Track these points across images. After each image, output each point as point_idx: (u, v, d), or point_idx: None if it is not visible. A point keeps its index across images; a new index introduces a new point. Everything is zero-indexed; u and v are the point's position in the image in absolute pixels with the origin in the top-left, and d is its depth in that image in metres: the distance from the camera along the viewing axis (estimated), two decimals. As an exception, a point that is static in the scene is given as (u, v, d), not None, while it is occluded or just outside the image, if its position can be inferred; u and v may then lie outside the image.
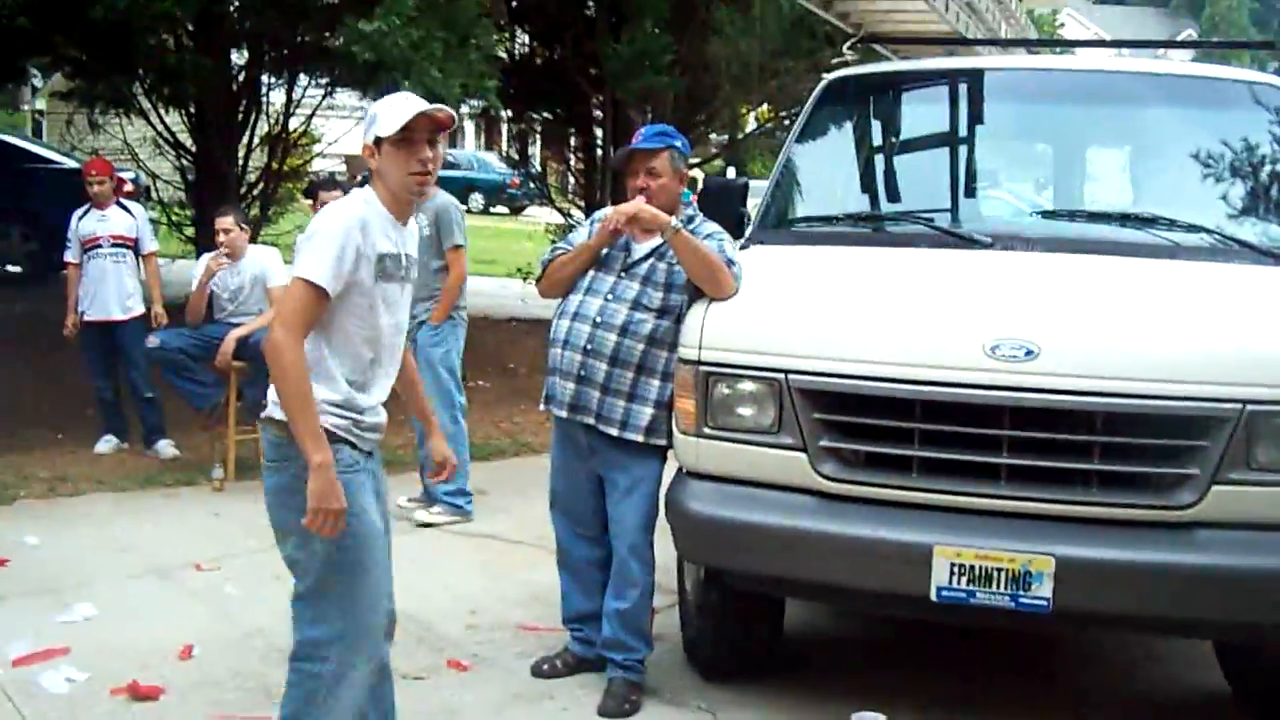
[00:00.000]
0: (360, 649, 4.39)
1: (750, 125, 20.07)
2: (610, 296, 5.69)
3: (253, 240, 11.02)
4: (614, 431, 5.66)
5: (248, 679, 5.93)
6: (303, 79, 15.61)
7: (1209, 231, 5.92)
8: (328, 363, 4.29)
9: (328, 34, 12.84)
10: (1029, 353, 4.85)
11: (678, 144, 5.87)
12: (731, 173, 21.84)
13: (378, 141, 4.34)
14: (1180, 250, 5.74)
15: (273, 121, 15.95)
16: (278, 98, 15.97)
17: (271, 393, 4.29)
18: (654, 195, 5.72)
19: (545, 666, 6.11)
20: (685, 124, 14.78)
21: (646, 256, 5.73)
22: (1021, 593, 4.82)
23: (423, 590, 6.92)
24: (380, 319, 4.37)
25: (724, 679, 6.06)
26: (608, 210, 5.85)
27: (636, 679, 5.87)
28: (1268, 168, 6.52)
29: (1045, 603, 4.82)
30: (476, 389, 10.73)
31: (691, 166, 7.78)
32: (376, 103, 4.49)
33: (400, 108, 4.31)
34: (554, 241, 13.42)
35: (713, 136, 20.06)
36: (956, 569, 4.85)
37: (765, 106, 18.39)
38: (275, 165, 15.84)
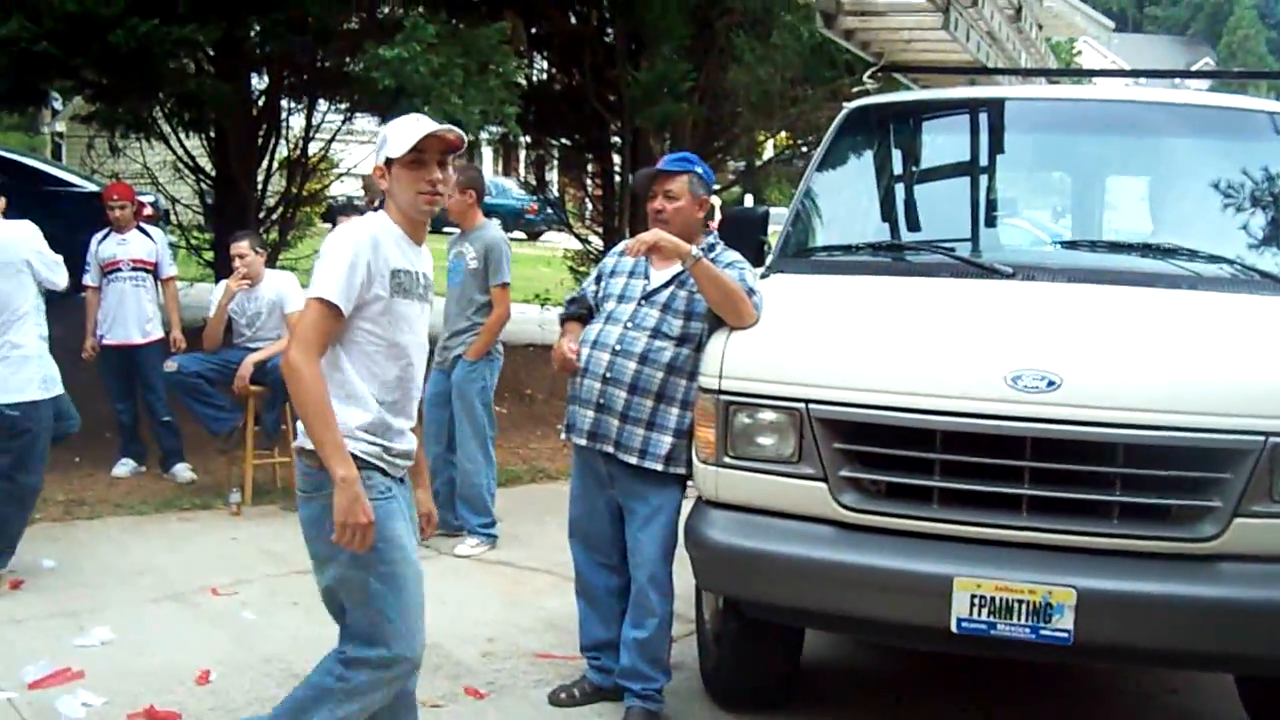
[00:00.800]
0: (393, 676, 4.43)
1: (768, 153, 20.07)
2: (630, 324, 5.68)
3: (271, 264, 11.06)
4: (633, 460, 5.65)
5: (265, 704, 5.90)
6: (322, 104, 15.68)
7: (1230, 262, 5.90)
8: (354, 384, 4.31)
9: (348, 59, 12.88)
10: (1050, 383, 4.83)
11: (698, 170, 5.87)
12: (749, 200, 21.83)
13: (388, 163, 4.38)
14: (1202, 281, 5.72)
15: (292, 146, 16.01)
16: (297, 123, 16.04)
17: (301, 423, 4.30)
18: (670, 219, 5.73)
19: (562, 695, 6.09)
20: (704, 151, 14.78)
21: (666, 284, 5.72)
22: (1042, 625, 4.79)
23: (440, 617, 6.87)
24: (402, 335, 4.39)
25: (742, 709, 6.05)
26: (628, 241, 5.86)
27: (654, 708, 5.85)
28: (1292, 198, 6.49)
29: (1066, 635, 4.78)
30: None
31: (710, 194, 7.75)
32: (387, 125, 4.52)
33: (411, 128, 4.34)
34: (573, 268, 13.28)
35: (731, 164, 20.05)
36: (977, 600, 4.82)
37: (784, 134, 18.38)
38: (294, 190, 15.88)
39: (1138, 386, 4.85)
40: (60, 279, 7.88)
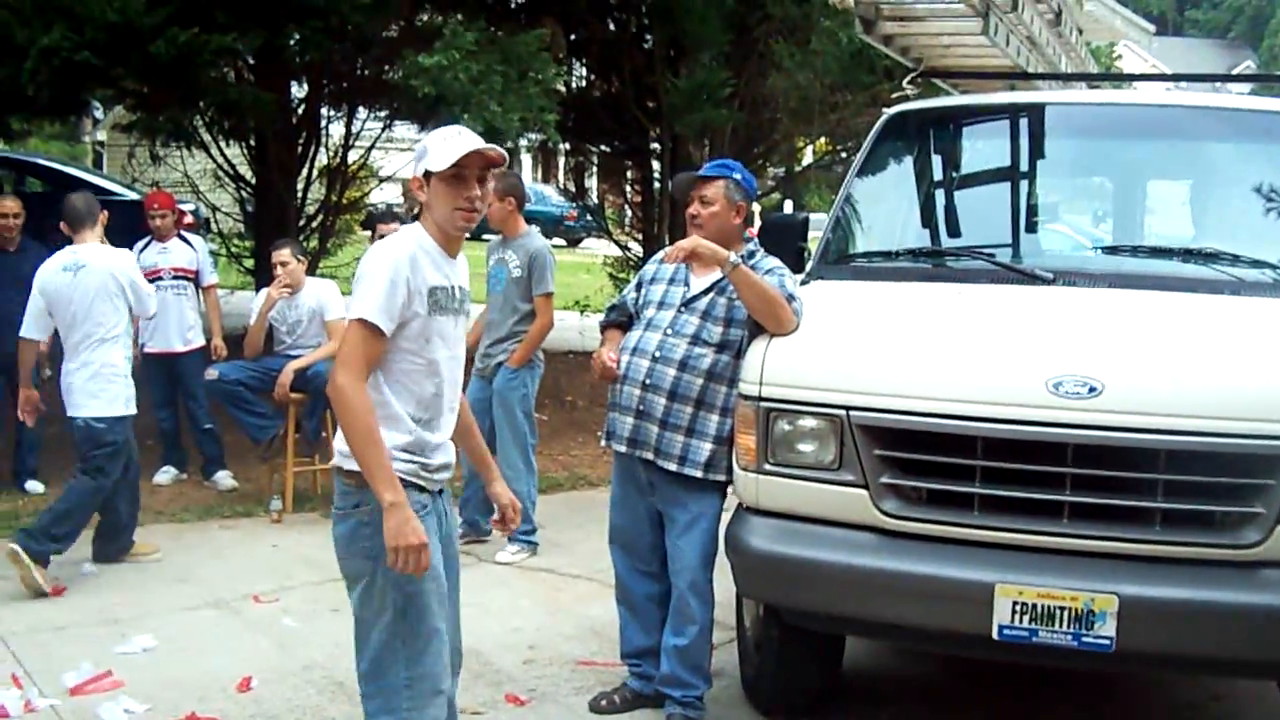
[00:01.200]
0: (427, 697, 4.38)
1: (808, 159, 20.02)
2: (670, 331, 5.68)
3: (311, 272, 11.10)
4: (673, 467, 5.64)
5: (305, 712, 5.93)
6: (362, 112, 15.74)
7: (1273, 267, 5.85)
8: (392, 405, 4.29)
9: (387, 67, 12.93)
10: (1092, 389, 4.80)
11: (736, 176, 5.86)
12: (789, 206, 21.80)
13: (427, 175, 4.33)
14: (1244, 286, 5.69)
15: (332, 154, 16.08)
16: (337, 130, 16.12)
17: (338, 441, 4.30)
18: (705, 224, 5.72)
19: (603, 702, 6.09)
20: (743, 157, 14.74)
21: (706, 291, 5.72)
22: (1084, 632, 4.77)
23: (480, 625, 6.93)
24: (437, 351, 4.36)
25: (782, 716, 6.04)
26: (668, 249, 5.86)
27: (695, 716, 5.85)
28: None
29: (1108, 642, 4.76)
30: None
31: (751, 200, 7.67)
32: (428, 135, 4.48)
33: (453, 143, 4.29)
34: (613, 275, 13.26)
35: (770, 170, 20.00)
36: (1019, 607, 4.80)
37: (823, 140, 18.33)
38: (334, 198, 15.95)
39: (1179, 392, 4.82)
40: (151, 307, 8.41)
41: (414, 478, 4.32)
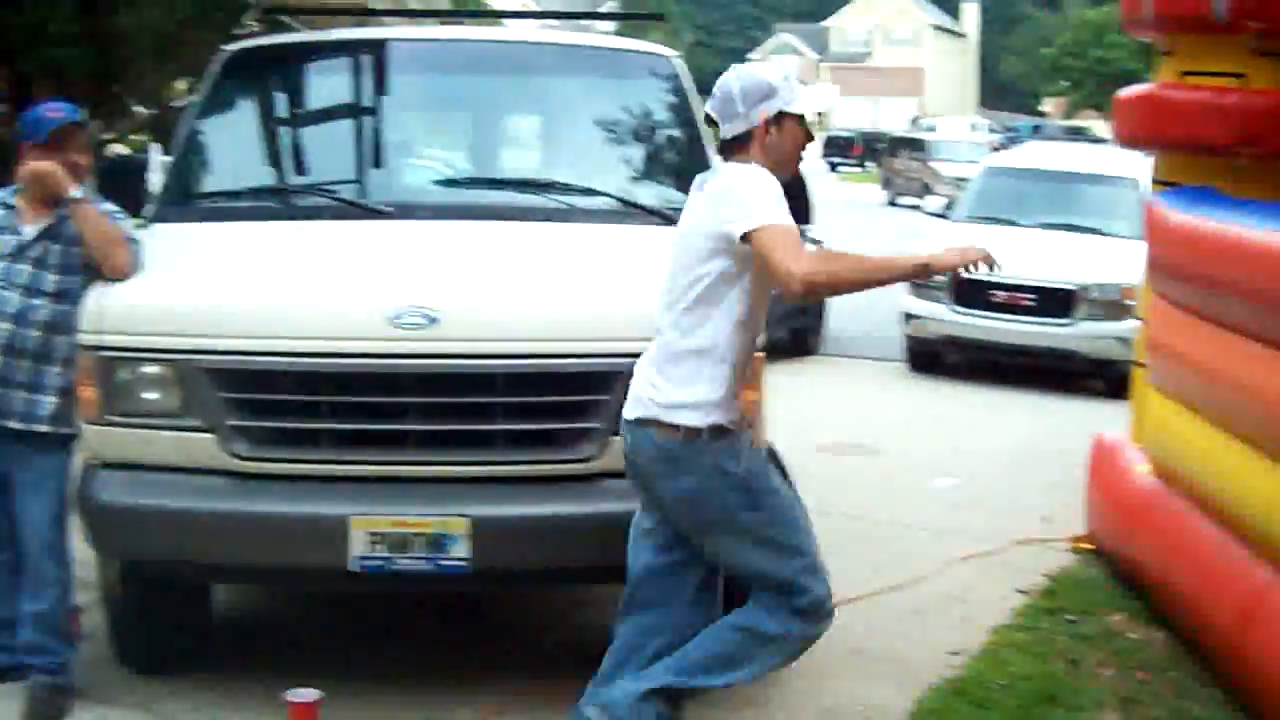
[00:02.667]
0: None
1: (180, 99, 19.52)
2: (2, 283, 5.42)
3: None
4: (16, 425, 5.41)
5: None
6: None
7: (606, 195, 6.16)
8: (724, 350, 4.18)
9: None
10: (431, 320, 4.94)
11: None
12: (157, 148, 21.25)
13: (780, 116, 4.18)
14: (577, 213, 5.97)
15: None
16: None
17: (653, 389, 4.26)
18: (82, 171, 5.51)
19: (-38, 679, 5.79)
20: (100, 97, 14.27)
21: (38, 238, 5.48)
22: (440, 555, 4.94)
23: None
24: (768, 296, 4.26)
25: (157, 672, 5.89)
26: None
27: (62, 682, 5.62)
28: (662, 134, 6.86)
29: (464, 563, 4.95)
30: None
31: (113, 141, 7.42)
32: (764, 70, 4.30)
33: (805, 89, 4.25)
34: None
35: (139, 110, 19.40)
36: (374, 538, 4.92)
37: (187, 80, 17.90)
38: None
39: (513, 318, 5.05)
40: None
41: (734, 426, 4.20)
